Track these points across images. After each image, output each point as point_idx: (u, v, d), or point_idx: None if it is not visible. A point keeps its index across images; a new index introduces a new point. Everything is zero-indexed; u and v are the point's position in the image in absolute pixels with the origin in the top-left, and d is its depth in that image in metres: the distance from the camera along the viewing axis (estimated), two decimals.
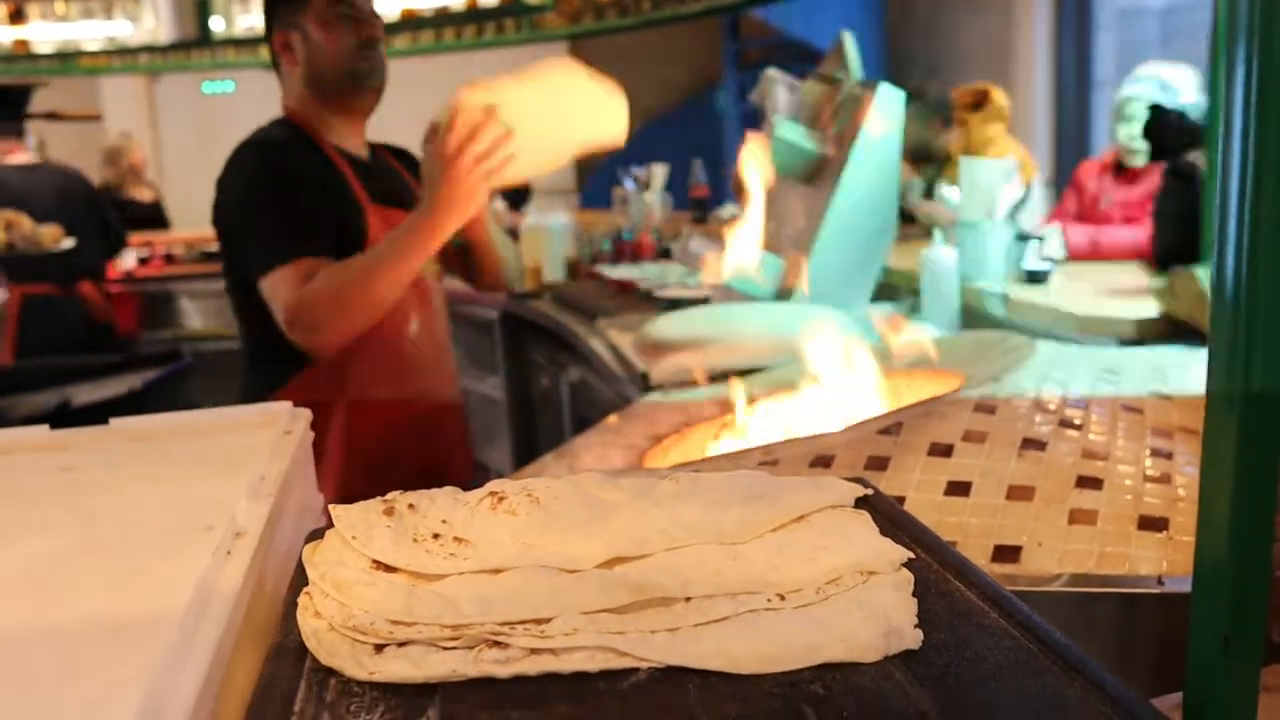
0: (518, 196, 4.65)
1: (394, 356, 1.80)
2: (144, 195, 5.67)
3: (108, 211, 3.99)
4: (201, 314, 4.42)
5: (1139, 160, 2.84)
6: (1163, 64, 2.89)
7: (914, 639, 0.53)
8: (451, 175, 1.51)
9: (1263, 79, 0.46)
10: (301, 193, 1.71)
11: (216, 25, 4.55)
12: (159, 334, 4.48)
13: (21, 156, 3.85)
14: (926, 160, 3.68)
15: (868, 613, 0.55)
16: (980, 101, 3.71)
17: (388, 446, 1.80)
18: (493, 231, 1.94)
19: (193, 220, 5.68)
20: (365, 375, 1.77)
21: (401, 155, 2.01)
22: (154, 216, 5.49)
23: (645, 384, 1.78)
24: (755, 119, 2.30)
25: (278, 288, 1.63)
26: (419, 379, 1.86)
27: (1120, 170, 2.90)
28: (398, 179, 1.91)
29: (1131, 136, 2.81)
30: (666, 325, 1.67)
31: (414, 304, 1.83)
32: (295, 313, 1.61)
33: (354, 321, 1.62)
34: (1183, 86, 2.73)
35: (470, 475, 2.05)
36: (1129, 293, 2.20)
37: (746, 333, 1.65)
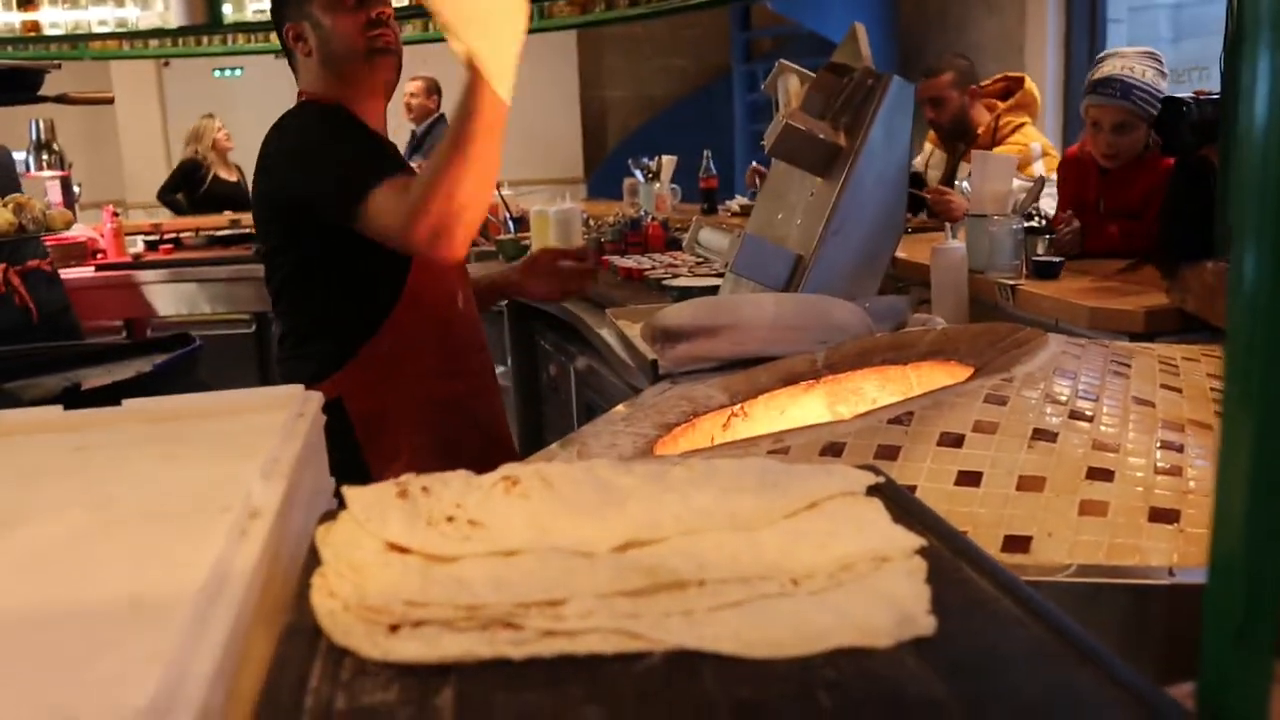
0: None
1: (444, 328, 1.85)
2: (229, 174, 5.69)
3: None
4: (209, 299, 4.42)
5: (1114, 163, 2.78)
6: (1124, 51, 2.80)
7: (927, 625, 0.54)
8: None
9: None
10: (360, 134, 1.76)
11: (226, 10, 4.54)
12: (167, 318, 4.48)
13: None
14: (961, 137, 3.66)
15: (881, 599, 0.56)
16: (1011, 89, 3.71)
17: (451, 423, 1.85)
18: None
19: None
20: (425, 343, 1.81)
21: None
22: (238, 196, 5.52)
23: (654, 373, 1.78)
24: (765, 109, 2.29)
25: (383, 206, 1.61)
26: (470, 346, 1.91)
27: (1105, 171, 2.84)
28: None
29: (1101, 144, 2.75)
30: (676, 313, 1.67)
31: (459, 276, 1.89)
32: (412, 214, 1.56)
33: (465, 203, 1.56)
34: (1150, 80, 2.68)
35: (514, 450, 2.13)
36: (1140, 286, 2.20)
37: (756, 322, 1.65)
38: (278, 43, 1.95)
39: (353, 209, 1.63)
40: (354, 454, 1.73)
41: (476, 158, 1.53)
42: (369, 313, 1.80)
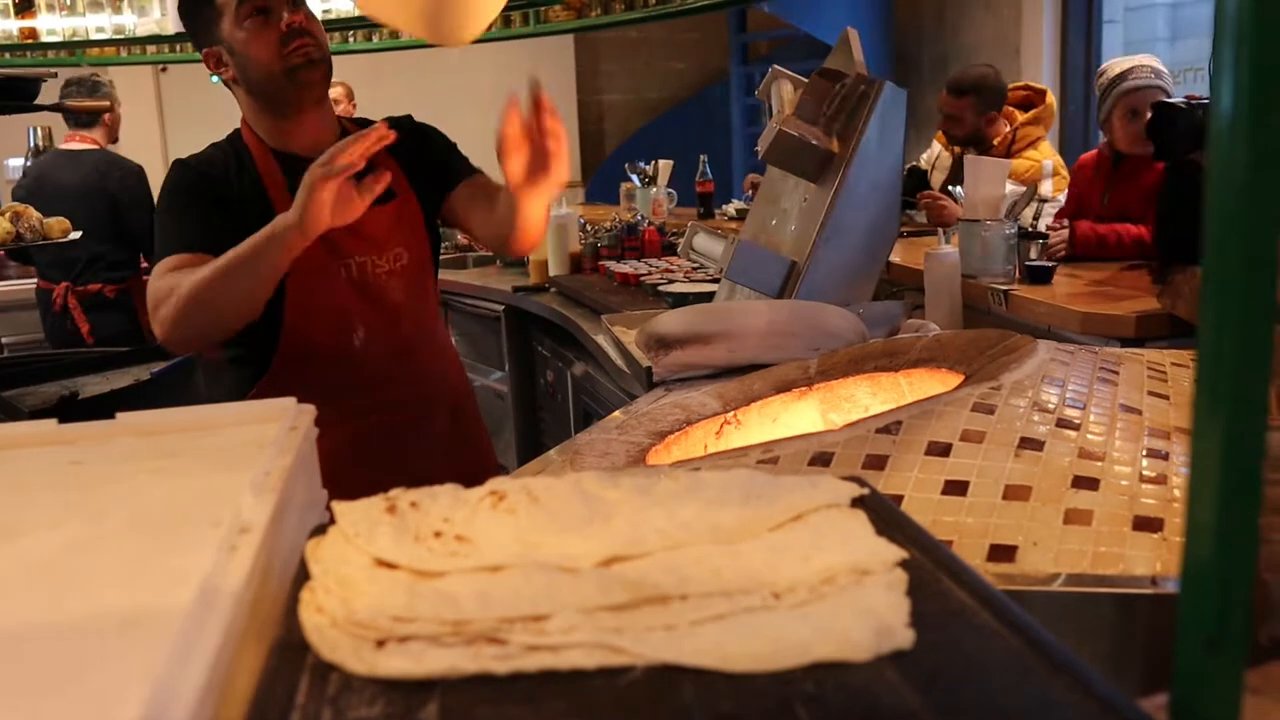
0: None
1: (341, 367, 1.76)
2: None
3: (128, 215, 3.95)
4: None
5: (1145, 149, 2.82)
6: (1129, 57, 2.89)
7: (906, 638, 0.54)
8: (320, 185, 1.46)
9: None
10: (202, 200, 1.68)
11: None
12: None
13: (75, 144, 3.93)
14: (974, 146, 3.65)
15: (860, 612, 0.56)
16: (1032, 100, 3.71)
17: (351, 455, 1.68)
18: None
19: None
20: (313, 388, 1.71)
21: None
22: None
23: (649, 380, 1.79)
24: (762, 112, 2.31)
25: (155, 282, 1.62)
26: (376, 388, 1.79)
27: (1118, 165, 2.90)
28: (356, 177, 1.85)
29: (1133, 134, 2.80)
30: (670, 321, 1.68)
31: (361, 310, 1.77)
32: (150, 301, 1.59)
33: (194, 314, 1.56)
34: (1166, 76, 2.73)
35: (490, 470, 1.98)
36: (1132, 291, 2.21)
37: (750, 329, 1.65)
38: None
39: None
40: None
41: (241, 286, 1.54)
42: (259, 352, 1.76)
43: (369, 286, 1.76)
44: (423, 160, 1.88)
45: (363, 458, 1.70)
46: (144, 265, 4.09)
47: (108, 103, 3.94)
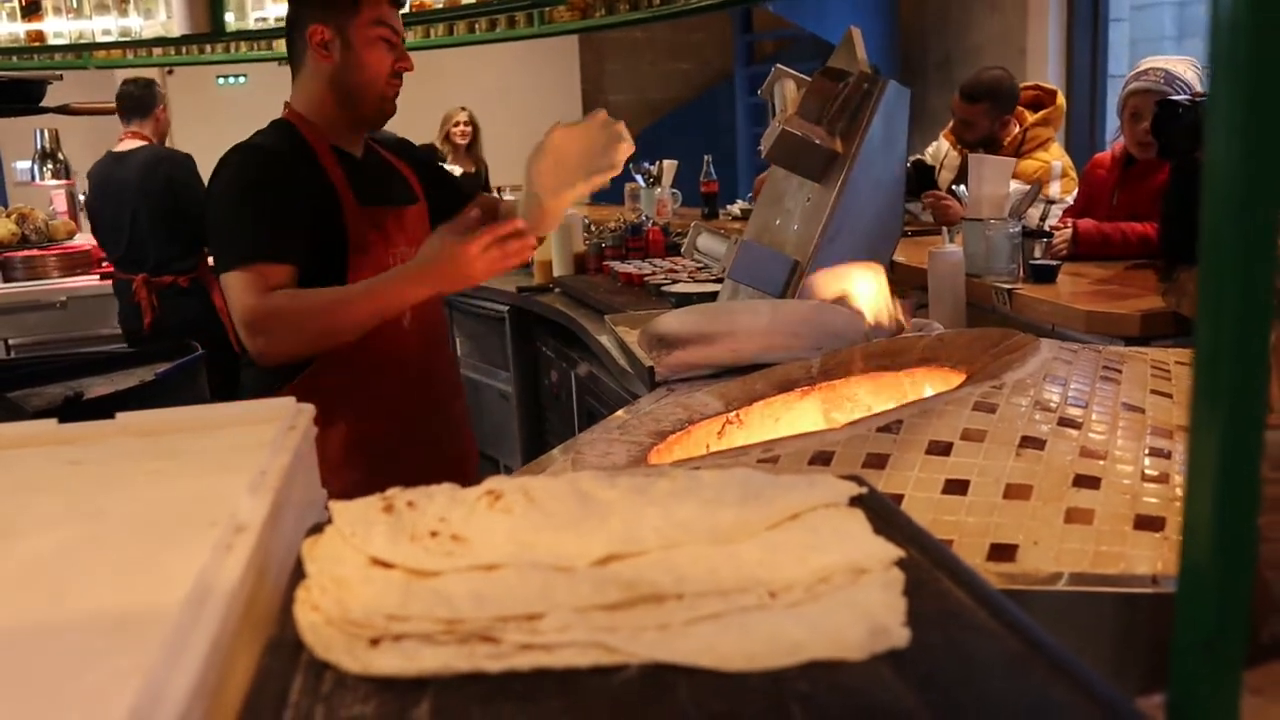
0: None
1: (391, 343, 1.84)
2: (465, 166, 5.61)
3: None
4: None
5: (1149, 153, 2.82)
6: (1167, 57, 2.88)
7: (901, 638, 0.54)
8: (466, 257, 1.60)
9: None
10: (277, 199, 1.73)
11: (229, 19, 4.56)
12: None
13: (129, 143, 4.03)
14: (986, 146, 3.63)
15: (855, 611, 0.56)
16: (1043, 100, 3.70)
17: (392, 432, 1.84)
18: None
19: None
20: (369, 366, 1.80)
21: (397, 149, 2.05)
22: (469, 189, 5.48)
23: (652, 380, 1.79)
24: (767, 112, 2.30)
25: (234, 288, 1.67)
26: (418, 365, 1.90)
27: (1130, 164, 2.90)
28: (392, 174, 1.94)
29: (1140, 134, 2.80)
30: (672, 321, 1.68)
31: (404, 315, 1.86)
32: (251, 318, 1.65)
33: (308, 345, 1.69)
34: (1190, 80, 2.72)
35: (475, 457, 2.13)
36: (1136, 289, 2.20)
37: (753, 328, 1.65)
38: (281, 50, 1.95)
39: (217, 271, 1.72)
40: None
41: (354, 324, 1.68)
42: None
43: None
44: (431, 176, 2.06)
45: (403, 436, 1.85)
46: (206, 252, 4.20)
47: (112, 105, 3.96)
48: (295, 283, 1.69)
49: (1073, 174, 3.57)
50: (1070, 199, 3.39)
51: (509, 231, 1.62)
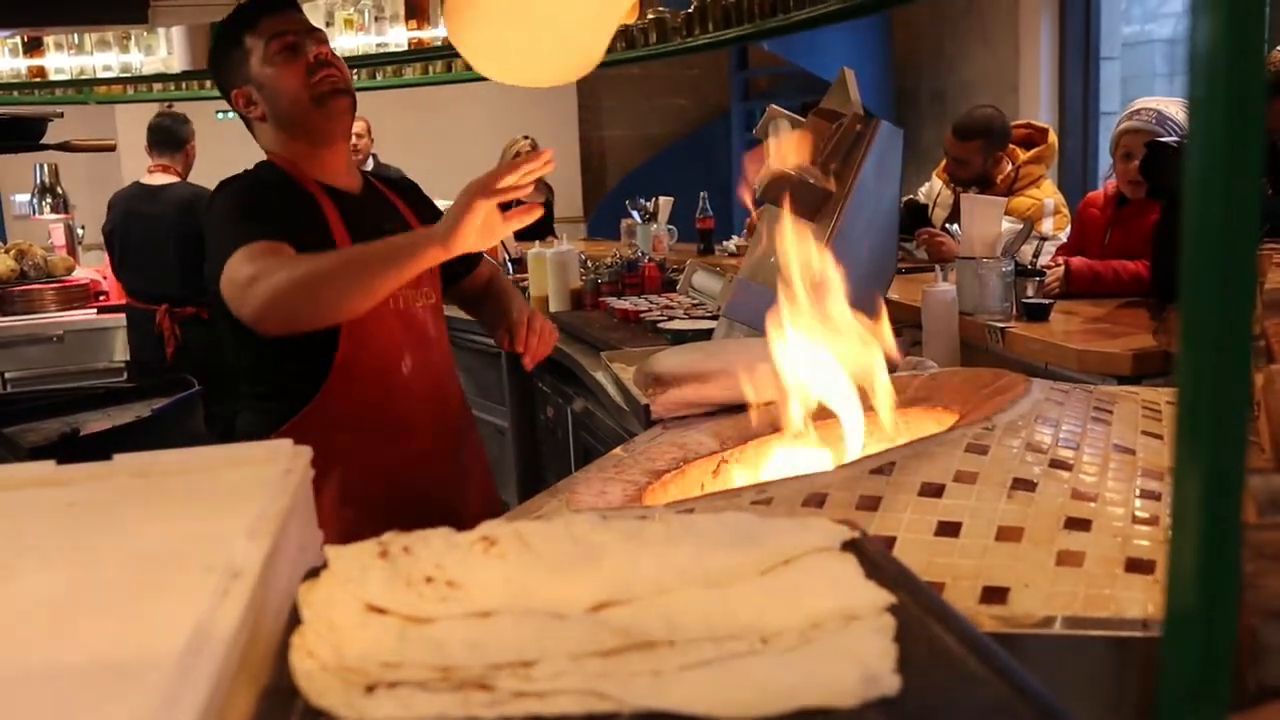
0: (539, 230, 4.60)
1: (388, 392, 1.81)
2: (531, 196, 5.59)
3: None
4: None
5: (1140, 193, 2.85)
6: (1159, 98, 2.91)
7: (891, 685, 0.55)
8: (475, 204, 1.52)
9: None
10: (275, 209, 1.70)
11: None
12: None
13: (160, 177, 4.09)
14: (980, 184, 3.67)
15: (847, 658, 0.57)
16: (1034, 139, 3.74)
17: (385, 482, 1.80)
18: (507, 283, 2.00)
19: None
20: (361, 413, 1.77)
21: (402, 187, 2.02)
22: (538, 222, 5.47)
23: (647, 417, 1.79)
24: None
25: (238, 266, 1.61)
26: (416, 413, 1.85)
27: (1123, 203, 2.92)
28: (389, 211, 1.90)
29: (1131, 173, 2.83)
30: (667, 359, 1.69)
31: (406, 340, 1.83)
32: (239, 282, 1.58)
33: (317, 305, 1.58)
34: (1182, 120, 2.75)
35: (494, 506, 2.06)
36: (1129, 328, 2.22)
37: (748, 367, 1.66)
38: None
39: (216, 274, 1.66)
40: None
41: (365, 284, 1.57)
42: (302, 381, 1.78)
43: (412, 319, 1.84)
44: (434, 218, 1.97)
45: (398, 485, 1.79)
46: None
47: (112, 142, 3.99)
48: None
49: (1065, 211, 3.60)
50: (1063, 236, 3.42)
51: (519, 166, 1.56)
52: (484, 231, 1.55)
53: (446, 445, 1.91)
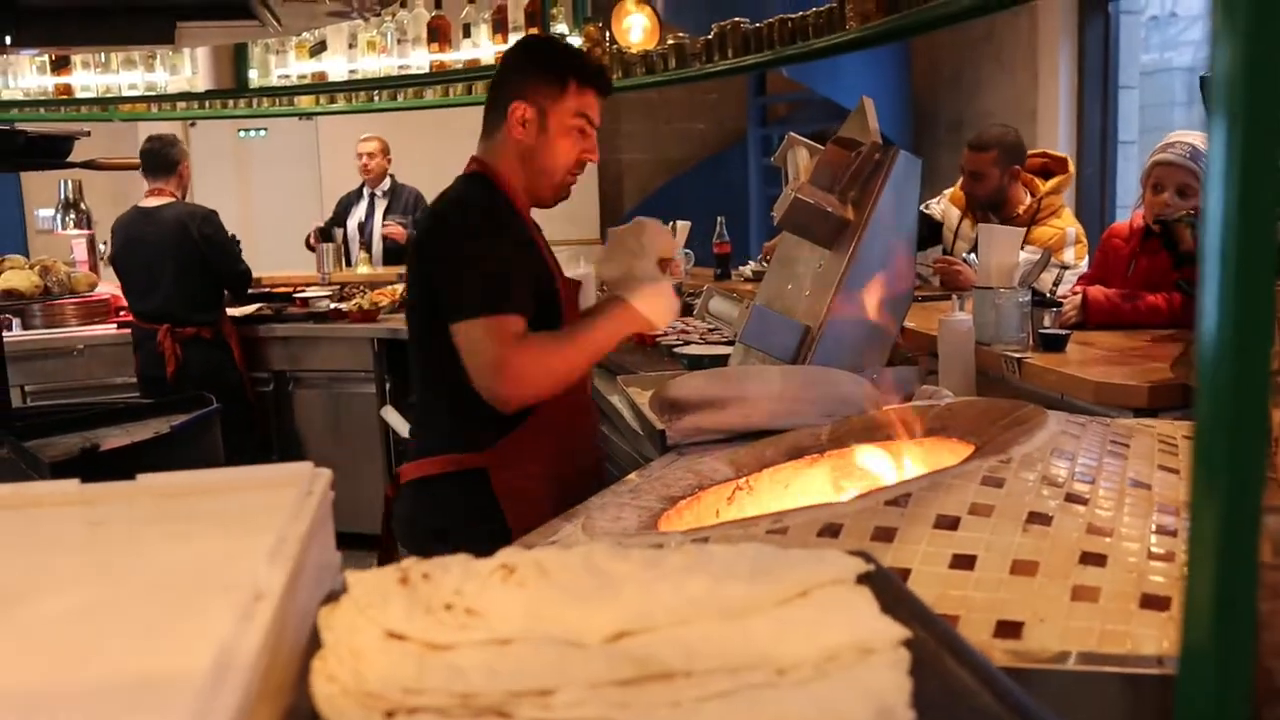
0: None
1: (577, 413, 1.96)
2: None
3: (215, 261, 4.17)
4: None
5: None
6: (1195, 131, 2.89)
7: (906, 719, 0.55)
8: (668, 287, 1.80)
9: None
10: (507, 250, 1.81)
11: (251, 75, 4.66)
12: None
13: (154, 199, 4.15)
14: (994, 210, 3.66)
15: (862, 691, 0.57)
16: (1051, 168, 3.73)
17: (579, 488, 1.88)
18: None
19: None
20: (564, 429, 1.89)
21: None
22: None
23: (663, 443, 1.80)
24: (780, 173, 2.34)
25: (479, 338, 1.72)
26: (591, 431, 2.06)
27: (1149, 236, 2.89)
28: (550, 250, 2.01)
29: (1159, 206, 2.80)
30: (683, 385, 1.70)
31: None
32: (504, 364, 1.71)
33: (554, 386, 1.77)
34: None
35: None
36: (1146, 360, 2.21)
37: (763, 394, 1.67)
38: (301, 105, 2.00)
39: (453, 320, 1.75)
40: (500, 523, 1.79)
41: (588, 362, 1.83)
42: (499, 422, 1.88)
43: None
44: None
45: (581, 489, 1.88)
46: (226, 304, 4.42)
47: (136, 160, 4.04)
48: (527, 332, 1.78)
49: (1084, 240, 3.59)
50: (1084, 265, 3.41)
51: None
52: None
53: (600, 453, 2.13)
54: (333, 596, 0.70)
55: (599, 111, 1.92)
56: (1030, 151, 3.81)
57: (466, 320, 1.72)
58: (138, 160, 4.10)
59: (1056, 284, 3.04)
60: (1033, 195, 3.66)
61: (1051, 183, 3.67)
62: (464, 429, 1.84)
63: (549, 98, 1.86)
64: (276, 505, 0.88)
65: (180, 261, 4.09)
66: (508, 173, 1.89)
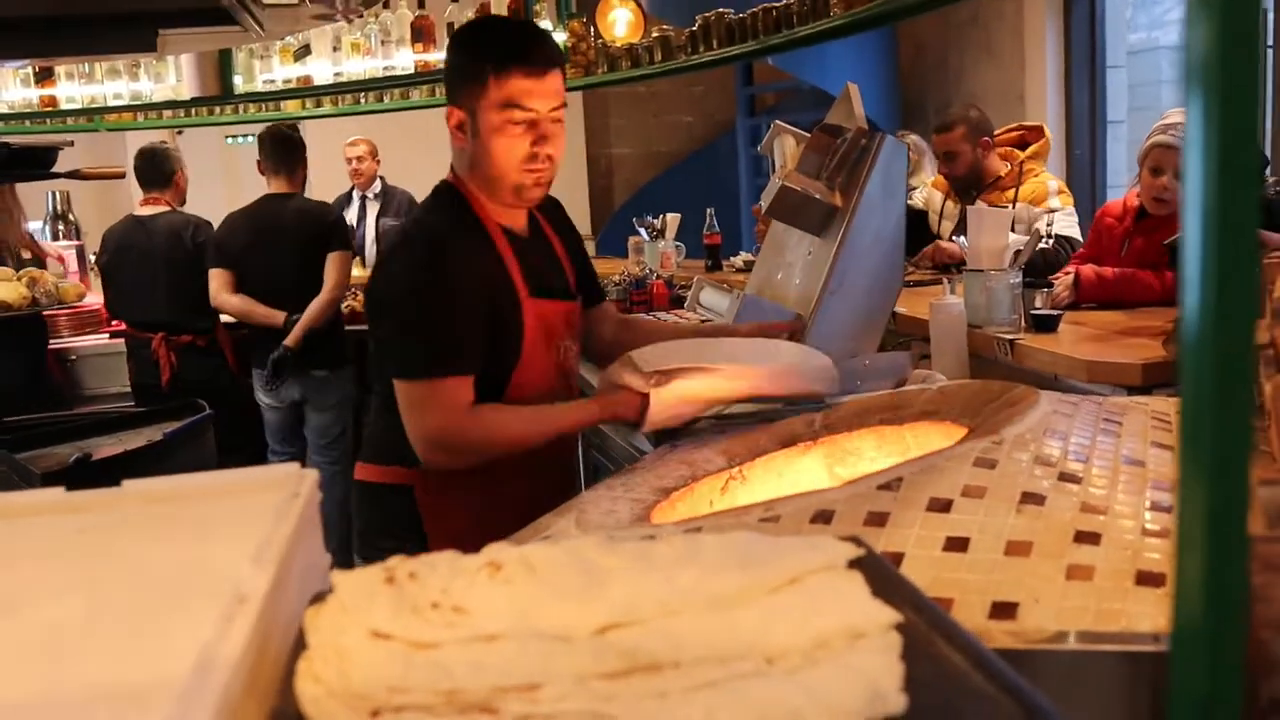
0: None
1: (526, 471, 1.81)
2: None
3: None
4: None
5: (1164, 210, 2.80)
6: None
7: (898, 703, 0.54)
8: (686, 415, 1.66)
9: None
10: (461, 299, 1.65)
11: (237, 81, 4.65)
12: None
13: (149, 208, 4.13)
14: (975, 187, 3.69)
15: (853, 676, 0.57)
16: (1029, 139, 3.77)
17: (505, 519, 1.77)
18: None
19: None
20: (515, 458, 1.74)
21: (554, 215, 1.95)
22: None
23: (656, 435, 1.79)
24: (769, 163, 2.33)
25: (420, 401, 1.63)
26: (550, 452, 1.85)
27: (1143, 216, 2.88)
28: (551, 257, 1.86)
29: (1156, 188, 2.79)
30: (650, 354, 1.67)
31: (559, 393, 1.82)
32: (439, 438, 1.63)
33: (494, 458, 1.67)
34: None
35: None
36: (1138, 338, 2.21)
37: (732, 360, 1.67)
38: (288, 110, 1.93)
39: (394, 374, 1.66)
40: (420, 541, 1.68)
41: (532, 445, 1.67)
42: None
43: (568, 371, 1.86)
44: (583, 269, 1.98)
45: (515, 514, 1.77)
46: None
47: (121, 169, 4.03)
48: (473, 390, 1.65)
49: (1067, 190, 3.64)
50: (1072, 207, 3.45)
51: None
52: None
53: (565, 476, 1.95)
54: (319, 598, 0.69)
55: (541, 92, 1.65)
56: (1007, 126, 3.83)
57: (409, 381, 1.63)
58: (122, 169, 4.09)
59: (1050, 226, 3.04)
60: (1012, 164, 3.70)
61: (1030, 149, 3.70)
62: (401, 445, 1.71)
63: (473, 96, 1.66)
64: (262, 508, 0.87)
65: (174, 270, 4.08)
66: (469, 181, 1.74)
